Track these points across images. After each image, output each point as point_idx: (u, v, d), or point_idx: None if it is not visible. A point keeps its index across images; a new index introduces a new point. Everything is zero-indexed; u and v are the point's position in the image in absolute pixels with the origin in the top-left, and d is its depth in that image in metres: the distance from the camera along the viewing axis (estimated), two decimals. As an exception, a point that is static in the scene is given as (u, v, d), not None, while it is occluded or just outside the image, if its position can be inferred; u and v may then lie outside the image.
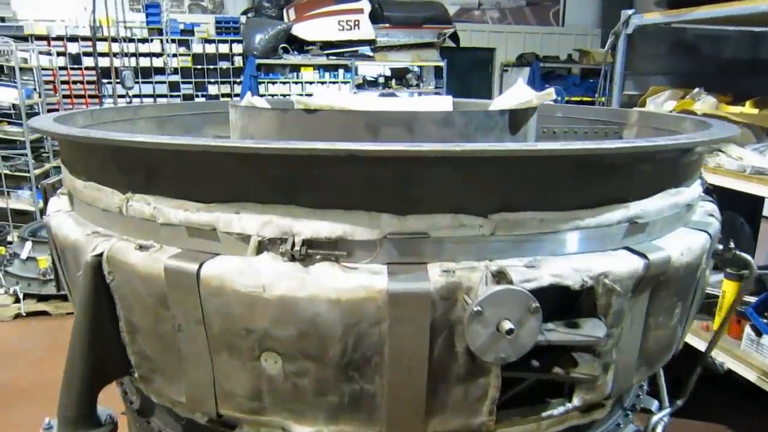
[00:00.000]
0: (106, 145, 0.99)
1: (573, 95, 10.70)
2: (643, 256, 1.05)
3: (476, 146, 0.85)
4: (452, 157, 0.86)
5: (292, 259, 0.91)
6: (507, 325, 0.85)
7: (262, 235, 0.92)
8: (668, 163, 1.15)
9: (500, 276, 0.91)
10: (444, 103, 2.34)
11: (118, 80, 6.58)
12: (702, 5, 2.85)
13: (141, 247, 1.01)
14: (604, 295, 1.01)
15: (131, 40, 8.76)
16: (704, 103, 2.96)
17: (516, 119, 1.51)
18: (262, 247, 0.93)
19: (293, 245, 0.90)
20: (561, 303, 1.02)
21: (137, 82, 8.82)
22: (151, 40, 8.90)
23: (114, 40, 8.43)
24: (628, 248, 1.07)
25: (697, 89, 3.11)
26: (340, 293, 0.88)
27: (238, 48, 9.21)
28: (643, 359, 1.19)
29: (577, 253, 1.02)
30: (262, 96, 7.40)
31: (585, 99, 10.75)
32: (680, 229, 1.23)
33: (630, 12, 3.08)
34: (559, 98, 4.88)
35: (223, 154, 0.90)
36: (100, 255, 1.03)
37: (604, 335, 0.98)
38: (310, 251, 0.91)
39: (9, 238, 6.14)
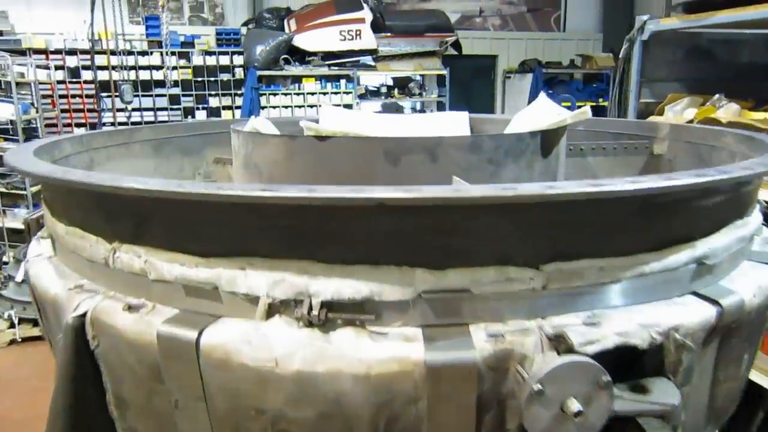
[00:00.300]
0: (87, 189, 0.84)
1: (577, 100, 10.58)
2: (714, 302, 0.91)
3: (532, 189, 0.70)
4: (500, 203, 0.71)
5: (310, 324, 0.76)
6: (574, 405, 0.70)
7: (272, 296, 0.78)
8: (734, 192, 1.01)
9: (558, 340, 0.76)
10: (460, 119, 2.20)
11: (117, 94, 6.45)
12: (720, 9, 2.72)
13: (130, 308, 0.86)
14: (674, 352, 0.86)
15: (131, 53, 8.65)
16: (727, 110, 2.81)
17: (548, 141, 1.36)
18: (273, 309, 0.79)
19: (310, 308, 0.76)
20: (620, 359, 0.88)
21: (137, 96, 8.71)
22: (151, 53, 8.80)
23: (113, 53, 8.34)
24: (696, 293, 0.93)
25: (717, 95, 2.97)
26: (369, 366, 0.73)
27: (239, 60, 9.11)
28: (711, 415, 1.05)
29: (640, 303, 0.87)
30: (263, 108, 7.30)
31: (589, 104, 10.65)
32: (744, 264, 1.08)
33: (645, 18, 2.95)
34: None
35: (224, 203, 0.75)
36: (83, 315, 0.89)
37: (679, 402, 0.84)
38: (330, 315, 0.76)
39: (5, 258, 6.00)
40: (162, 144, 2.10)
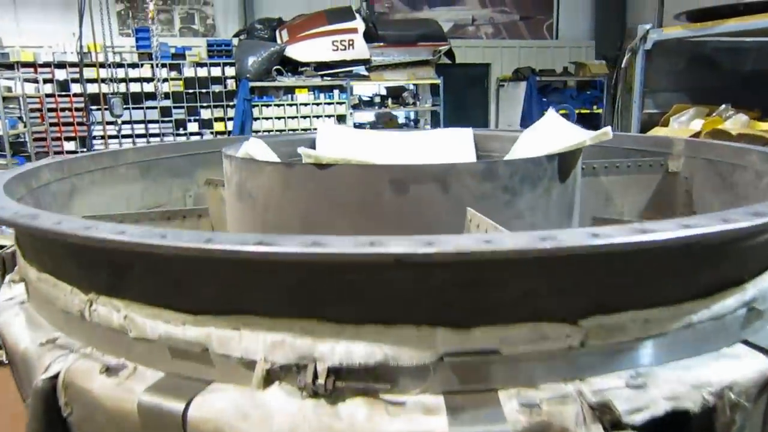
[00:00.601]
0: (57, 238, 0.74)
1: (572, 108, 10.56)
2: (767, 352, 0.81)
3: (574, 239, 0.60)
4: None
5: (315, 394, 0.66)
6: (626, 493, 0.60)
7: (271, 360, 0.67)
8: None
9: (602, 410, 0.66)
10: (464, 137, 2.10)
11: (107, 107, 6.34)
12: (726, 18, 2.65)
13: (108, 370, 0.75)
14: (727, 412, 0.76)
15: (121, 66, 8.54)
16: (735, 121, 2.74)
17: (566, 164, 1.27)
18: (272, 376, 0.68)
19: (315, 375, 0.65)
20: (667, 423, 0.78)
21: (127, 108, 8.60)
22: (142, 65, 8.69)
23: (102, 65, 8.23)
24: (746, 342, 0.83)
25: (723, 106, 2.90)
26: (385, 445, 0.63)
27: (230, 71, 9.02)
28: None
29: (687, 357, 0.77)
30: (256, 119, 7.17)
31: (583, 111, 10.62)
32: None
33: (647, 27, 2.87)
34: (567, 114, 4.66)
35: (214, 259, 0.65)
36: (55, 377, 0.78)
37: (736, 473, 0.74)
38: (338, 383, 0.66)
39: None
40: (150, 166, 1.99)
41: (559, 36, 11.90)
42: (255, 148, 1.74)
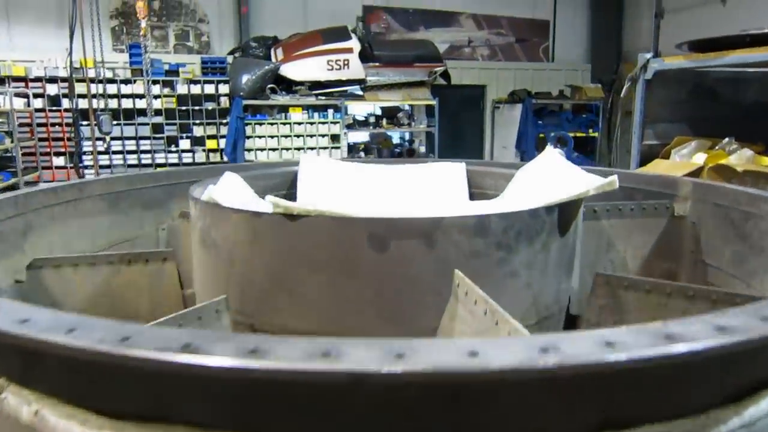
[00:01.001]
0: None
1: (567, 131, 10.52)
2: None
3: (581, 354, 0.48)
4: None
5: None
6: None
7: (203, 487, 0.54)
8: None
9: None
10: (456, 172, 1.98)
11: (96, 123, 6.22)
12: (730, 49, 2.56)
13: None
14: None
15: (113, 81, 8.45)
16: (740, 156, 2.64)
17: (566, 216, 1.15)
18: (205, 507, 0.55)
19: None
20: None
21: (118, 124, 8.49)
22: (134, 81, 8.60)
23: (92, 81, 8.12)
24: (780, 450, 0.70)
25: (727, 139, 2.80)
26: None
27: (224, 88, 8.94)
28: None
29: (714, 475, 0.64)
30: (248, 137, 7.04)
31: (579, 134, 10.58)
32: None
33: (648, 56, 2.79)
34: (566, 145, 4.54)
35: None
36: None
37: None
38: None
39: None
40: (119, 197, 1.86)
41: (555, 59, 11.91)
42: (229, 185, 1.62)
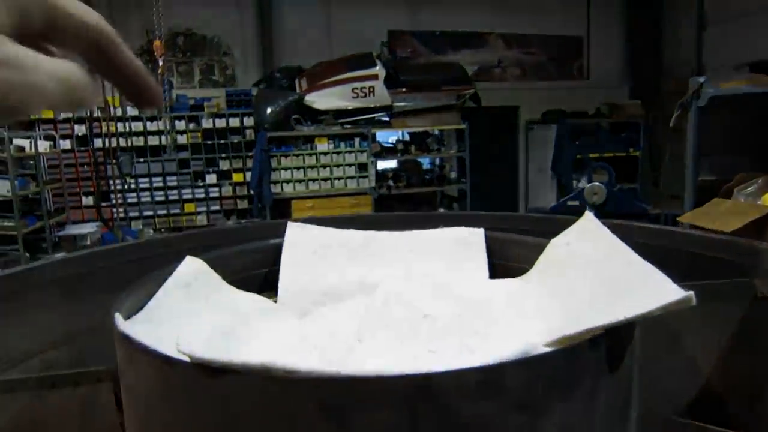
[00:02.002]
0: None
1: (606, 151, 10.02)
2: None
3: None
4: None
5: None
6: None
7: None
8: None
9: None
10: (472, 242, 1.64)
11: (116, 162, 6.13)
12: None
13: None
14: None
15: (139, 119, 8.44)
16: (819, 197, 2.21)
17: (619, 346, 0.80)
18: None
19: None
20: None
21: (145, 161, 8.46)
22: (160, 118, 8.57)
23: (120, 119, 8.14)
24: None
25: (801, 175, 2.37)
26: None
27: (249, 121, 8.84)
28: None
29: None
30: (274, 170, 6.83)
31: (619, 154, 10.04)
32: None
33: (701, 80, 2.40)
34: (606, 178, 4.16)
35: None
36: None
37: None
38: None
39: None
40: (81, 280, 1.59)
41: (590, 76, 11.44)
42: (189, 273, 1.32)
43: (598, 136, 10.15)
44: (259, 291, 1.51)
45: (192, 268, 1.32)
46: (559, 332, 0.96)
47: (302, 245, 1.59)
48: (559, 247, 1.37)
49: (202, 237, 1.77)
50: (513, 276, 1.54)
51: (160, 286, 1.26)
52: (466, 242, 1.59)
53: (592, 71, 11.42)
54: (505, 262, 1.61)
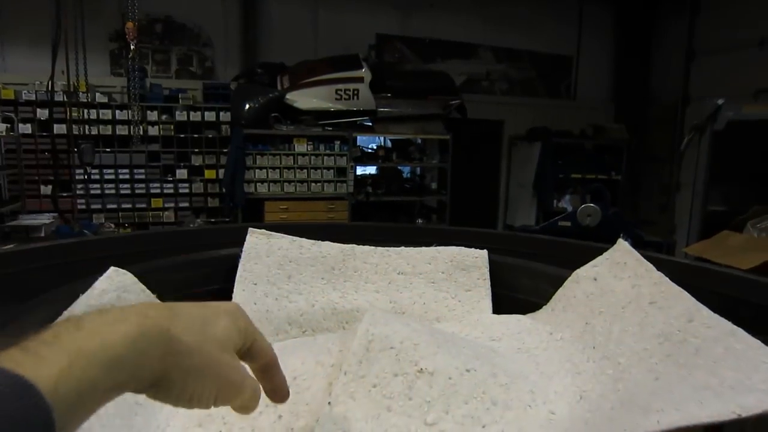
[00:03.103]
0: None
1: (588, 173, 9.93)
2: None
3: None
4: None
5: None
6: None
7: None
8: None
9: None
10: (475, 262, 1.36)
11: (77, 151, 5.71)
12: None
13: None
14: None
15: (108, 106, 8.00)
16: None
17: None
18: None
19: None
20: None
21: (112, 152, 8.01)
22: (132, 107, 8.13)
23: (89, 105, 7.68)
24: None
25: (822, 211, 2.16)
26: None
27: (226, 116, 8.45)
28: None
29: None
30: (248, 169, 6.48)
31: (600, 176, 9.94)
32: None
33: (720, 102, 2.17)
34: (601, 200, 3.97)
35: None
36: None
37: None
38: None
39: None
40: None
41: (576, 96, 11.36)
42: (111, 291, 1.01)
43: (582, 156, 10.04)
44: (205, 315, 1.20)
45: (115, 283, 1.01)
46: (610, 411, 0.67)
47: (264, 258, 1.29)
48: (584, 281, 1.09)
49: (145, 239, 1.45)
50: (521, 311, 1.26)
51: (67, 308, 0.95)
52: (467, 266, 1.31)
53: (579, 91, 11.35)
54: (513, 293, 1.34)
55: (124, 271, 1.01)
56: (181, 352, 0.50)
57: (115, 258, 1.20)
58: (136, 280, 1.03)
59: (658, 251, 3.41)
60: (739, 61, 8.15)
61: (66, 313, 0.92)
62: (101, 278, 1.00)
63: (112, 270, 1.02)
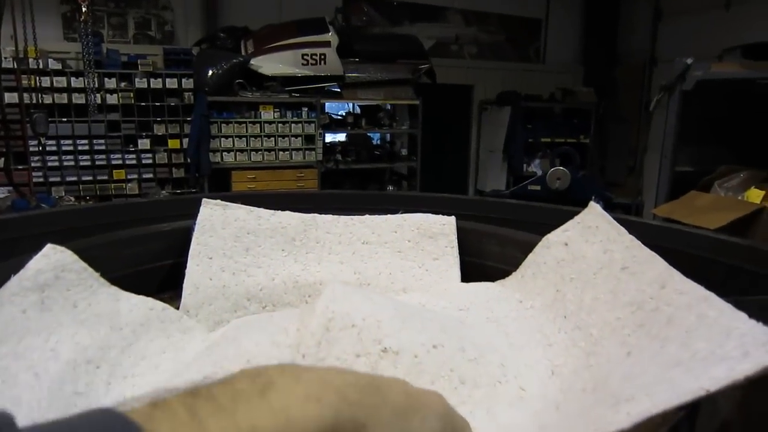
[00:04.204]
0: None
1: (558, 136, 9.98)
2: None
3: None
4: None
5: None
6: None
7: None
8: None
9: None
10: (443, 229, 1.31)
11: (29, 122, 5.45)
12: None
13: None
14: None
15: (62, 74, 7.63)
16: (810, 194, 2.01)
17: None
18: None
19: None
20: None
21: (69, 122, 7.68)
22: (87, 74, 7.77)
23: (41, 72, 7.32)
24: None
25: (787, 170, 2.18)
26: None
27: (189, 83, 8.17)
28: None
29: None
30: (214, 138, 6.30)
31: (569, 140, 10.00)
32: None
33: (689, 61, 2.15)
34: (570, 164, 3.96)
35: None
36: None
37: None
38: None
39: None
40: None
41: (546, 60, 11.32)
42: (48, 270, 0.93)
43: (551, 120, 10.07)
44: (157, 292, 1.13)
45: (53, 262, 0.93)
46: (582, 381, 0.63)
47: (220, 230, 1.21)
48: (555, 246, 1.05)
49: (92, 213, 1.36)
50: (491, 279, 1.22)
51: (-3, 289, 0.87)
52: (434, 233, 1.26)
53: (548, 54, 11.30)
54: (482, 260, 1.30)
55: (62, 248, 0.93)
56: None
57: (58, 234, 1.11)
58: (76, 258, 0.94)
59: (627, 213, 3.43)
60: (705, 22, 8.21)
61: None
62: (36, 257, 0.91)
63: (49, 247, 0.93)
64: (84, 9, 5.21)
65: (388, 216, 1.31)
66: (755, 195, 2.27)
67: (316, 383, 0.39)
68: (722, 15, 7.51)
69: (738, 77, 2.11)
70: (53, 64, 7.57)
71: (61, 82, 7.59)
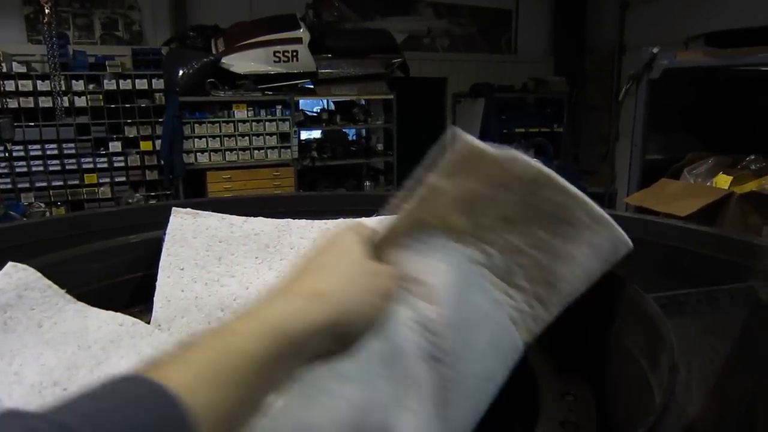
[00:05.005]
0: None
1: (531, 126, 10.06)
2: None
3: None
4: None
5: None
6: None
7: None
8: None
9: None
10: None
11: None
12: (761, 43, 1.98)
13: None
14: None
15: (28, 77, 7.44)
16: (774, 179, 2.06)
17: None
18: None
19: None
20: None
21: (36, 126, 7.50)
22: (54, 76, 7.58)
23: (5, 76, 7.14)
24: None
25: (753, 156, 2.23)
26: None
27: (160, 84, 8.03)
28: None
29: None
30: (187, 138, 6.19)
31: (543, 130, 10.08)
32: None
33: (655, 50, 2.18)
34: (544, 154, 3.95)
35: None
36: None
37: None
38: None
39: None
40: None
41: (517, 50, 11.38)
42: (9, 290, 0.91)
43: (524, 110, 10.14)
44: (127, 306, 1.11)
45: (14, 280, 0.90)
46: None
47: (191, 239, 1.19)
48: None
49: (54, 225, 1.33)
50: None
51: None
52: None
53: (519, 45, 11.37)
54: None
55: (24, 266, 0.91)
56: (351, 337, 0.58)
57: (24, 249, 1.08)
58: (39, 275, 0.92)
59: (601, 202, 3.47)
60: (671, 9, 8.32)
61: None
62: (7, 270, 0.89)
63: (10, 265, 0.91)
64: (47, 10, 5.08)
65: (362, 219, 1.31)
66: (723, 180, 2.31)
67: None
68: (687, 1, 7.62)
69: (703, 65, 2.15)
70: (17, 68, 7.38)
71: (26, 85, 7.40)
